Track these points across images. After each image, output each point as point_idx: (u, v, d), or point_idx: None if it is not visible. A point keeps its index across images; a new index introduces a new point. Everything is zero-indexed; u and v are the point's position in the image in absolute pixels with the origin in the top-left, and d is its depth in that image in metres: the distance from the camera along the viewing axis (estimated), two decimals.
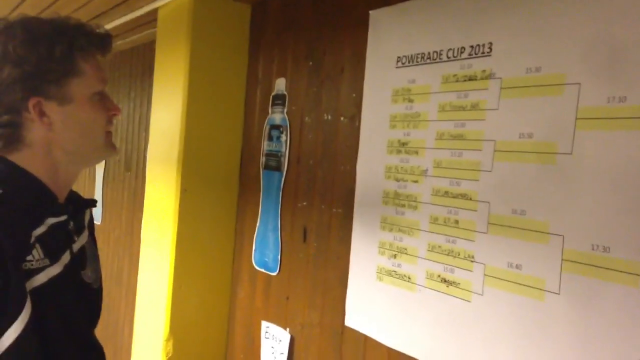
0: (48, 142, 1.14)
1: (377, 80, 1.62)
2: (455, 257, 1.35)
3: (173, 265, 2.18)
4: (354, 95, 1.72)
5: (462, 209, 1.33)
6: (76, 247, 1.20)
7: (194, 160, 2.21)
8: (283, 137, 2.02)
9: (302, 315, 1.90)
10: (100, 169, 3.64)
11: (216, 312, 2.29)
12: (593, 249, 1.07)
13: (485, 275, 1.27)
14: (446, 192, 1.38)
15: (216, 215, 2.27)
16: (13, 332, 1.01)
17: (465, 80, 1.35)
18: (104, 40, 1.19)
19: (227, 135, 2.28)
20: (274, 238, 2.04)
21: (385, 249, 1.54)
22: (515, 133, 1.22)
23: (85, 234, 1.26)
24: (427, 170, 1.44)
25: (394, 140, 1.54)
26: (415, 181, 1.47)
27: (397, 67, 1.54)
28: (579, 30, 1.12)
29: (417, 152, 1.47)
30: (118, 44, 3.23)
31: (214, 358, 2.30)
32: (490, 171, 1.27)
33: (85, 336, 1.24)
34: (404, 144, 1.51)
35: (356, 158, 1.68)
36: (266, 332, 2.05)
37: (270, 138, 2.10)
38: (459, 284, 1.33)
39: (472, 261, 1.30)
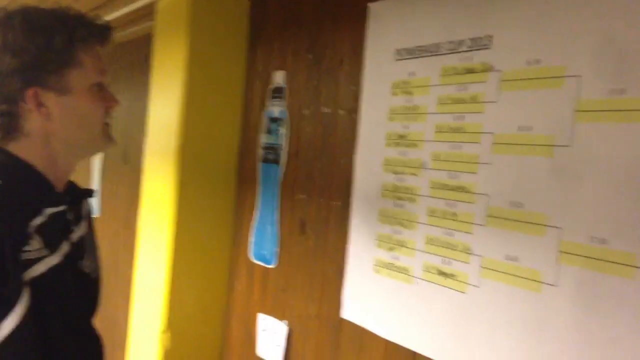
0: (46, 133, 1.14)
1: (376, 73, 1.62)
2: (452, 249, 1.35)
3: (170, 257, 2.18)
4: (353, 88, 1.72)
5: (460, 201, 1.34)
6: (75, 237, 1.20)
7: (192, 153, 2.20)
8: (282, 130, 2.02)
9: (300, 308, 1.90)
10: (97, 161, 3.64)
11: (213, 305, 2.29)
12: (590, 241, 1.07)
13: (482, 267, 1.28)
14: (444, 185, 1.38)
15: (214, 207, 2.27)
16: (10, 322, 1.01)
17: (464, 73, 1.35)
18: (103, 32, 1.19)
19: (226, 128, 2.27)
20: (272, 231, 2.04)
21: (383, 241, 1.55)
22: (514, 126, 1.23)
23: (84, 224, 1.26)
24: (425, 163, 1.44)
25: (392, 133, 1.54)
26: (414, 174, 1.47)
27: (396, 60, 1.54)
28: (579, 22, 1.12)
29: (415, 145, 1.47)
30: (117, 36, 3.21)
31: (211, 350, 2.30)
32: (488, 164, 1.28)
33: (84, 326, 1.24)
34: (402, 137, 1.51)
35: (355, 151, 1.68)
36: (263, 324, 2.05)
37: (268, 131, 2.10)
38: (455, 276, 1.34)
39: (469, 253, 1.31)
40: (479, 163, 1.30)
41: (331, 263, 1.77)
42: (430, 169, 1.42)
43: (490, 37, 1.29)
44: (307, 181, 1.90)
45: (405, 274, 1.47)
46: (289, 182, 1.99)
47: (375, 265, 1.57)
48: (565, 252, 1.11)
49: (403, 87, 1.52)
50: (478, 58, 1.32)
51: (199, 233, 2.24)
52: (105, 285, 1.36)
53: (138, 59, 3.24)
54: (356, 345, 1.65)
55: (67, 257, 1.14)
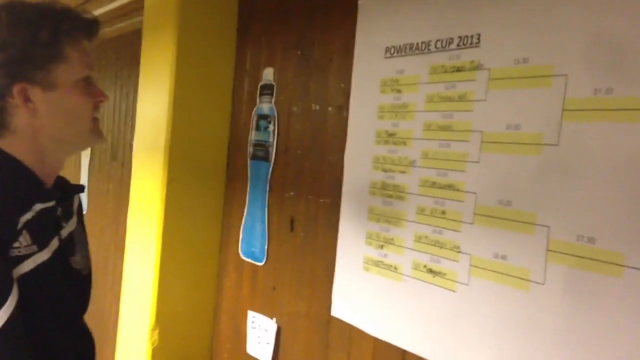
0: (33, 129, 1.12)
1: (365, 70, 1.62)
2: (441, 247, 1.35)
3: (159, 255, 2.17)
4: (342, 85, 1.72)
5: (449, 199, 1.34)
6: (65, 233, 1.19)
7: (181, 149, 2.19)
8: (271, 127, 2.02)
9: (289, 305, 1.90)
10: (85, 158, 3.61)
11: (202, 302, 2.29)
12: (578, 240, 1.08)
13: (470, 265, 1.28)
14: (433, 183, 1.38)
15: (203, 205, 2.26)
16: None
17: (453, 71, 1.35)
18: (90, 26, 1.18)
19: (215, 125, 2.26)
20: (261, 228, 2.03)
21: (372, 239, 1.55)
22: (502, 124, 1.23)
23: (74, 220, 1.26)
24: (414, 161, 1.44)
25: (381, 131, 1.54)
26: (403, 172, 1.47)
27: (385, 58, 1.54)
28: (567, 21, 1.12)
29: (405, 143, 1.47)
30: (105, 31, 3.20)
31: (200, 348, 2.30)
32: (477, 162, 1.28)
33: (75, 323, 1.24)
34: (391, 135, 1.51)
35: (344, 148, 1.68)
36: (252, 322, 2.05)
37: (258, 128, 2.09)
38: (444, 274, 1.34)
39: (458, 251, 1.31)
40: (467, 161, 1.30)
41: (320, 261, 1.77)
42: (419, 167, 1.42)
43: (478, 35, 1.30)
44: (297, 178, 1.90)
45: (395, 271, 1.47)
46: (279, 179, 1.98)
47: (365, 262, 1.57)
48: (553, 251, 1.12)
49: (392, 85, 1.52)
50: (467, 56, 1.32)
51: (188, 230, 2.23)
52: (95, 282, 1.35)
53: (126, 55, 3.22)
54: (345, 343, 1.65)
55: (57, 254, 1.13)
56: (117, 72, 3.32)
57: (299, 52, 1.92)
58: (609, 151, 1.04)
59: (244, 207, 2.14)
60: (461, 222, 1.30)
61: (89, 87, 1.18)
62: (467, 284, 1.29)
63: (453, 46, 1.35)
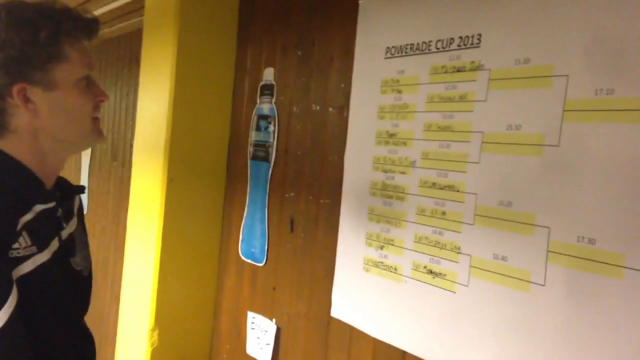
0: (34, 129, 1.12)
1: (366, 70, 1.61)
2: (441, 248, 1.35)
3: (159, 255, 2.16)
4: (342, 85, 1.71)
5: (449, 200, 1.33)
6: (65, 234, 1.18)
7: (181, 150, 2.19)
8: (271, 128, 2.02)
9: (289, 306, 1.90)
10: (86, 158, 3.61)
11: (202, 303, 2.29)
12: (578, 241, 1.07)
13: (471, 266, 1.28)
14: (434, 184, 1.38)
15: (203, 205, 2.26)
16: None
17: (453, 72, 1.35)
18: (90, 25, 1.17)
19: (215, 125, 2.26)
20: (261, 229, 2.03)
21: (373, 240, 1.55)
22: (503, 125, 1.23)
23: (75, 220, 1.25)
24: (415, 161, 1.44)
25: (382, 131, 1.54)
26: (403, 172, 1.47)
27: (386, 58, 1.54)
28: (568, 21, 1.12)
29: (405, 143, 1.47)
30: (105, 31, 3.20)
31: (200, 348, 2.29)
32: (477, 163, 1.27)
33: (75, 324, 1.23)
34: (392, 135, 1.51)
35: (344, 149, 1.67)
36: (252, 322, 2.05)
37: (258, 128, 2.09)
38: (444, 275, 1.34)
39: (458, 252, 1.31)
40: (468, 162, 1.30)
41: (320, 261, 1.76)
42: (420, 167, 1.42)
43: (479, 35, 1.29)
44: (297, 179, 1.89)
45: (395, 272, 1.47)
46: (278, 179, 1.98)
47: (365, 263, 1.57)
48: (554, 252, 1.11)
49: (392, 85, 1.51)
50: (467, 57, 1.32)
51: (188, 230, 2.23)
52: (95, 282, 1.35)
53: (126, 55, 3.22)
54: (345, 343, 1.65)
55: (57, 255, 1.13)
56: (117, 72, 3.32)
57: (299, 52, 1.92)
58: (610, 152, 1.04)
59: (244, 208, 2.14)
60: (461, 223, 1.30)
61: (89, 87, 1.17)
62: (467, 285, 1.28)
63: (453, 46, 1.35)
